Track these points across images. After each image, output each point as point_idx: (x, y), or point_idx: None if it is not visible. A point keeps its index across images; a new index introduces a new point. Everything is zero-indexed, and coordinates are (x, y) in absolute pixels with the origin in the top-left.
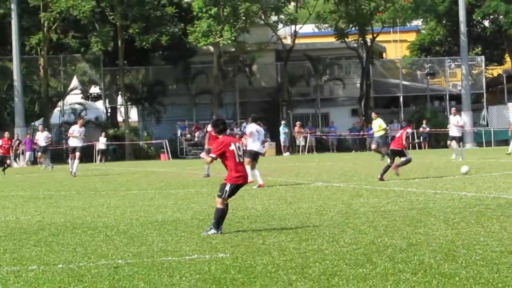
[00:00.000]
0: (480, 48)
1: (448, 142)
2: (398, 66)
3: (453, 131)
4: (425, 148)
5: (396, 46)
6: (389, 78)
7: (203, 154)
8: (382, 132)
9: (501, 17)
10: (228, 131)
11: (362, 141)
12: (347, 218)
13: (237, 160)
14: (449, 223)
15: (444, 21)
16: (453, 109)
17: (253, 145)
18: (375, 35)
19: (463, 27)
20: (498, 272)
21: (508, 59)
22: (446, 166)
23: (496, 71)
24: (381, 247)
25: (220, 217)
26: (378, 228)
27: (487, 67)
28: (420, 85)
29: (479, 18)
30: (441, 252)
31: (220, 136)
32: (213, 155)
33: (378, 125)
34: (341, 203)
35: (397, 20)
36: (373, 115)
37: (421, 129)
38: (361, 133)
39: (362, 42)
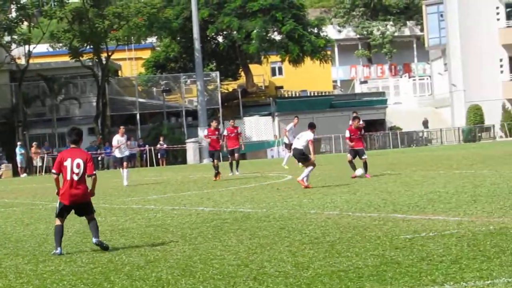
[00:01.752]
0: (215, 64)
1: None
2: (134, 83)
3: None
4: (163, 164)
5: (131, 64)
6: (126, 95)
7: None
8: None
9: (234, 32)
10: (81, 143)
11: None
12: (84, 237)
13: (67, 178)
14: (186, 239)
15: (178, 38)
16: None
17: None
18: (110, 53)
19: (197, 44)
20: (235, 285)
21: (242, 74)
22: (183, 182)
23: (231, 86)
24: (119, 265)
25: (55, 234)
26: (116, 246)
27: (222, 82)
28: (156, 102)
29: (213, 34)
30: (179, 268)
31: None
32: (53, 171)
33: None
34: (79, 223)
35: (132, 38)
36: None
37: (158, 145)
38: (99, 151)
39: (97, 60)
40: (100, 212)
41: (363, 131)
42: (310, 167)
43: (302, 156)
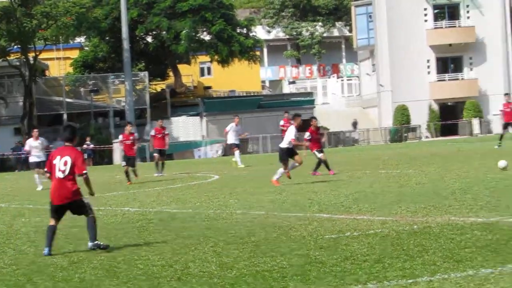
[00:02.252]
0: (144, 64)
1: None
2: (61, 83)
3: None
4: (90, 165)
5: (59, 64)
6: (53, 95)
7: None
8: None
9: (163, 32)
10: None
11: (26, 160)
12: (8, 238)
13: (55, 176)
14: (111, 239)
15: (107, 38)
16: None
17: None
18: (38, 53)
19: (126, 44)
20: (159, 286)
21: (171, 74)
22: (109, 183)
23: (160, 86)
24: (42, 266)
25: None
26: (40, 247)
27: (151, 83)
28: (84, 102)
29: (142, 33)
30: (103, 269)
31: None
32: (45, 169)
33: None
34: (2, 224)
35: (60, 37)
36: None
37: (84, 146)
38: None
39: (24, 60)
40: (24, 212)
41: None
42: (292, 165)
43: (286, 156)
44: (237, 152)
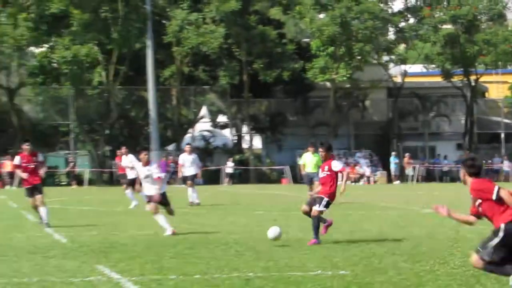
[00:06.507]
0: None
1: None
2: (499, 105)
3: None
4: None
5: (498, 87)
6: (492, 116)
7: None
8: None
9: None
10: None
11: None
12: (455, 242)
13: None
14: None
15: None
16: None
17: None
18: (478, 76)
19: None
20: None
21: None
22: None
23: None
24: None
25: None
26: None
27: None
28: None
29: None
30: None
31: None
32: None
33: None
34: (450, 229)
35: (499, 63)
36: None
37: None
38: None
39: (466, 82)
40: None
41: None
42: None
43: None
44: None
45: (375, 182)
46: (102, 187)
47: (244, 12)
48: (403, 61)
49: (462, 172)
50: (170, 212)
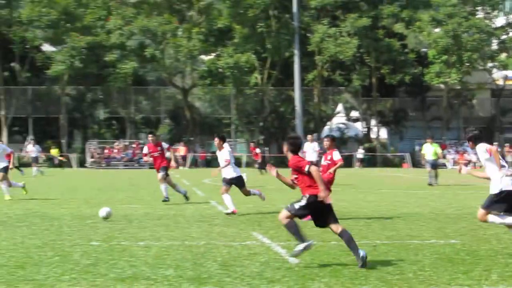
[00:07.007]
0: None
1: None
2: None
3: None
4: None
5: None
6: None
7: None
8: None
9: None
10: None
11: None
12: None
13: None
14: None
15: None
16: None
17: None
18: None
19: None
20: None
21: None
22: None
23: None
24: None
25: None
26: None
27: None
28: None
29: None
30: None
31: None
32: None
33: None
34: None
35: None
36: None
37: None
38: None
39: None
40: None
41: None
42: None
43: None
44: None
45: (480, 167)
46: (255, 170)
47: (374, 27)
48: (504, 67)
49: (285, 148)
50: (246, 193)
